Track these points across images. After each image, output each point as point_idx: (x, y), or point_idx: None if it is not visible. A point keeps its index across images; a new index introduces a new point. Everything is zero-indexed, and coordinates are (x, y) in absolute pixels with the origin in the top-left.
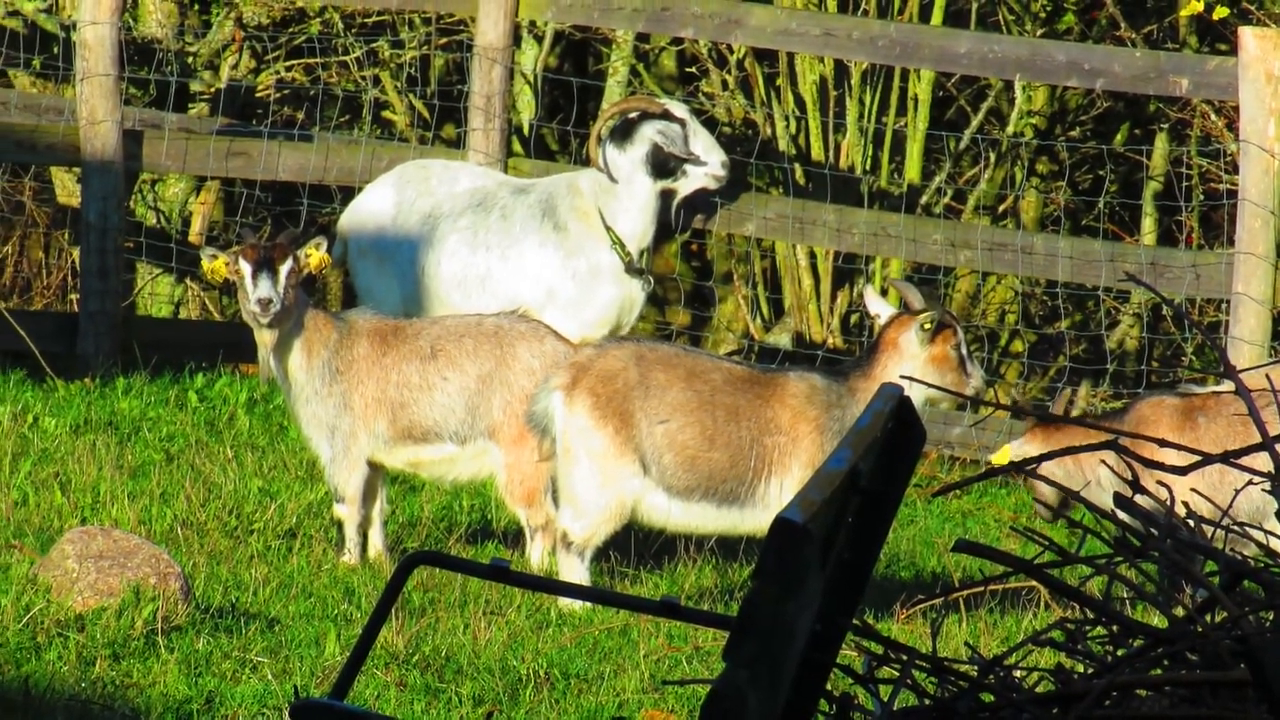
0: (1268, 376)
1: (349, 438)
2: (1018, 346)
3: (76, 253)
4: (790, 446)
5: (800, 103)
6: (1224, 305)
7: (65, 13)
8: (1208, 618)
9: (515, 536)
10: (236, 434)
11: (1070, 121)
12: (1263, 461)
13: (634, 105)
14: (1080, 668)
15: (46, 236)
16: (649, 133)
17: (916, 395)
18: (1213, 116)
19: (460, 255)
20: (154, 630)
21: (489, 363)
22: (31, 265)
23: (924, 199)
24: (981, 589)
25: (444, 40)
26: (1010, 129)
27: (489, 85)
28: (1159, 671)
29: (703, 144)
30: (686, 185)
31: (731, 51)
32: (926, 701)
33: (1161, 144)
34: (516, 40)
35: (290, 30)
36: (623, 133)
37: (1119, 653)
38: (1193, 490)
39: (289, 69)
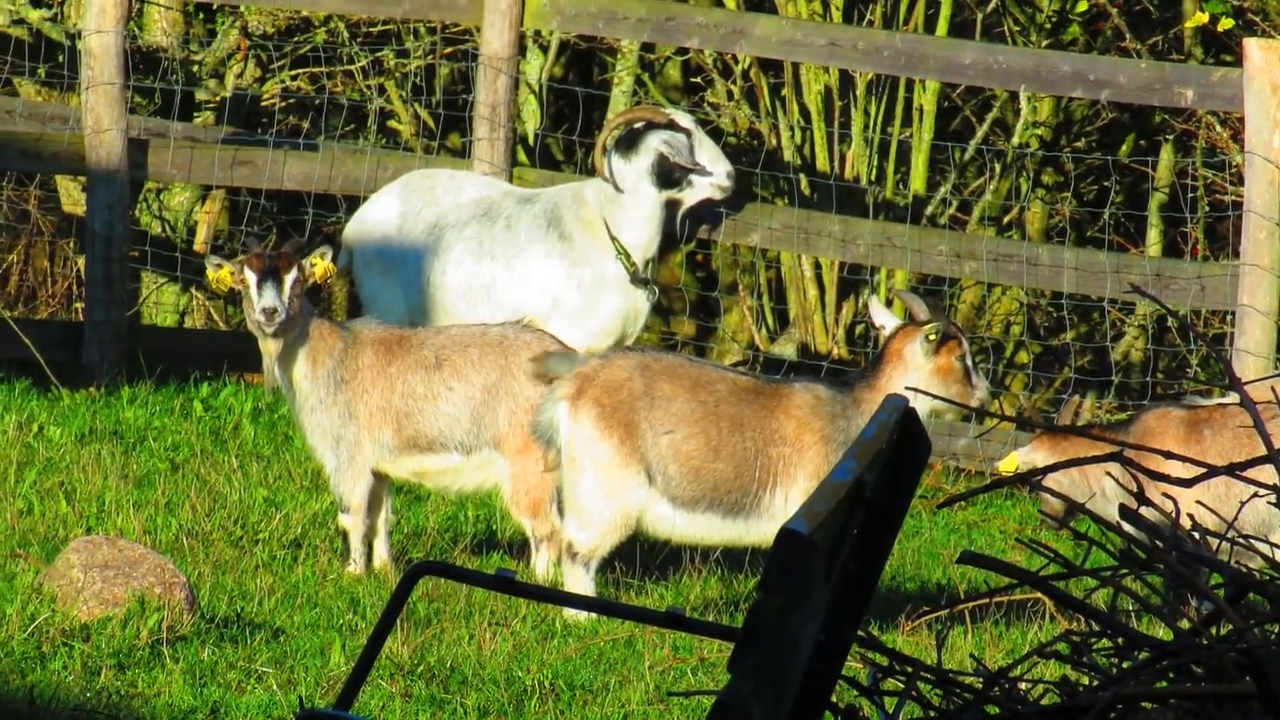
0: (1273, 388)
1: (354, 447)
2: (1023, 358)
3: (82, 261)
4: (795, 457)
5: (805, 113)
6: (1229, 317)
7: (70, 21)
8: (1213, 630)
9: (520, 547)
10: (241, 443)
11: (1075, 132)
12: (1268, 474)
13: (639, 115)
14: (1085, 680)
15: (52, 245)
16: (654, 143)
17: (921, 406)
18: (1218, 128)
19: (465, 265)
20: (159, 640)
21: (494, 373)
22: (37, 274)
23: (929, 210)
24: (987, 601)
25: (449, 50)
26: (1015, 140)
27: (494, 95)
28: (1164, 684)
29: (708, 154)
30: (692, 195)
31: (737, 62)
32: (931, 714)
33: (1167, 155)
34: (521, 50)
35: (295, 39)
36: (628, 143)
37: (1124, 665)
38: (1198, 502)
39: (294, 78)
